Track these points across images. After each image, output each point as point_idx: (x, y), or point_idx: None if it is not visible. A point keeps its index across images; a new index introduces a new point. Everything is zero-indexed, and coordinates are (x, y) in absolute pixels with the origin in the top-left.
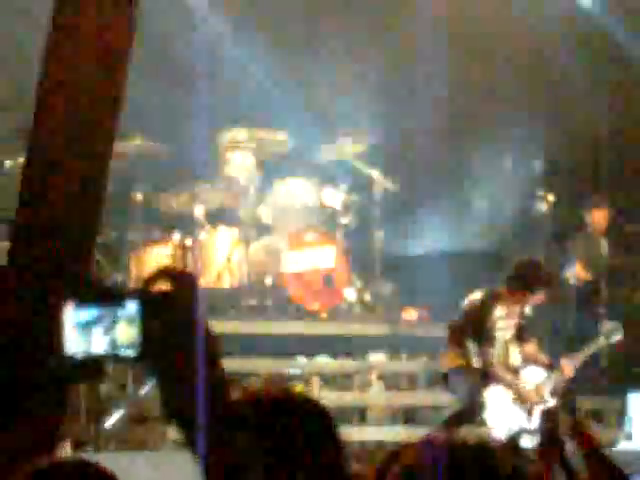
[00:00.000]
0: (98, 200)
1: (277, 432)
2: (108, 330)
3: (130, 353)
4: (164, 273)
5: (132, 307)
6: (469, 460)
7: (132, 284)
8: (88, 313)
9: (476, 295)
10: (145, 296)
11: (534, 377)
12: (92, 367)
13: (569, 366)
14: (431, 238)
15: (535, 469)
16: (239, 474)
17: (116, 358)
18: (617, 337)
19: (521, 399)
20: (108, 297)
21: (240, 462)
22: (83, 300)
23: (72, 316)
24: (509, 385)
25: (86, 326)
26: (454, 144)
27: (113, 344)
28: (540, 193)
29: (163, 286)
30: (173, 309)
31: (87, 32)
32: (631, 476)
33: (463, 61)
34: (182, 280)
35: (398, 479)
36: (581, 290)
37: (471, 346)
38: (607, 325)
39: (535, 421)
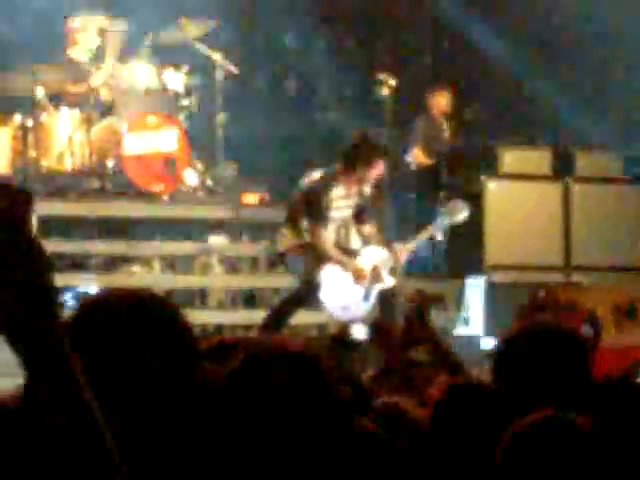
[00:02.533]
0: None
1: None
2: None
3: None
4: None
5: None
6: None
7: None
8: None
9: (315, 174)
10: None
11: (374, 257)
12: None
13: (403, 250)
14: (272, 122)
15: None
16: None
17: None
18: (462, 216)
19: (354, 277)
20: None
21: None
22: None
23: None
24: (341, 264)
25: None
26: (295, 25)
27: None
28: (381, 77)
29: None
30: (3, 228)
31: None
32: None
33: None
34: (15, 197)
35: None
36: (422, 174)
37: (306, 225)
38: (452, 204)
39: (372, 301)
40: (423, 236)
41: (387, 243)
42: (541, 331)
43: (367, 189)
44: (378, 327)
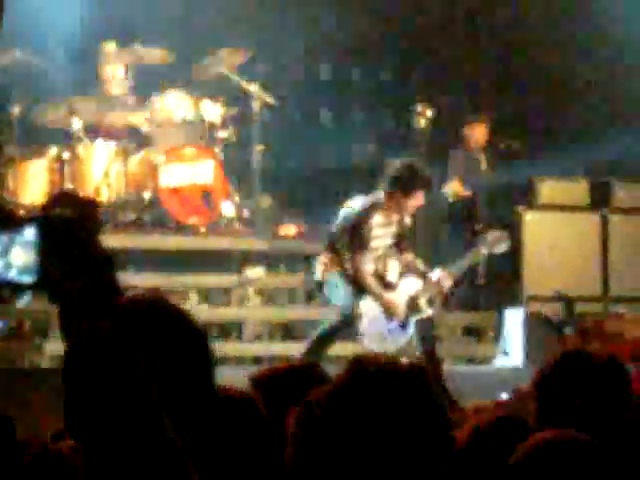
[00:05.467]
0: None
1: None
2: (2, 254)
3: (26, 279)
4: (65, 197)
5: (29, 232)
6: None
7: (8, 199)
8: None
9: (355, 201)
10: (44, 221)
11: (411, 287)
12: None
13: (447, 277)
14: (308, 153)
15: None
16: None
17: (12, 284)
18: (502, 247)
19: (389, 313)
20: (5, 222)
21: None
22: None
23: None
24: (377, 297)
25: None
26: (333, 59)
27: (7, 267)
28: (418, 108)
29: (63, 211)
30: (73, 235)
31: None
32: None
33: None
34: (83, 205)
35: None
36: (458, 206)
37: (346, 253)
38: (493, 234)
39: (410, 331)
40: (462, 266)
41: (424, 273)
42: (581, 358)
43: (407, 218)
44: (430, 358)
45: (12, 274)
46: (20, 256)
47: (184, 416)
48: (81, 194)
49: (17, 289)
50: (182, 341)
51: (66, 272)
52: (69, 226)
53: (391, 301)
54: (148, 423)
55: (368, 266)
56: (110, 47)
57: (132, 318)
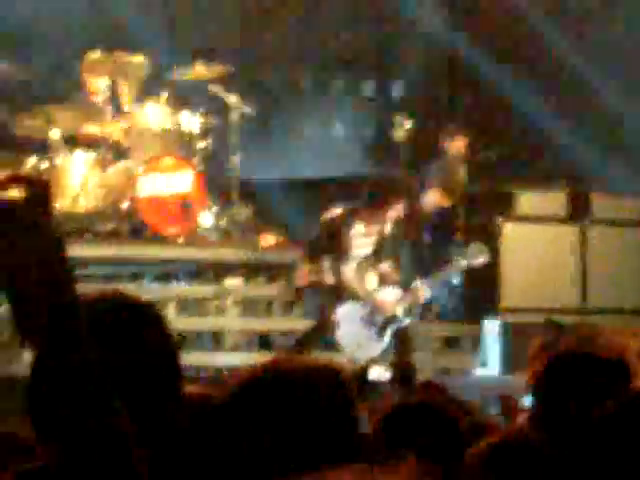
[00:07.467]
0: None
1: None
2: None
3: None
4: (14, 179)
5: None
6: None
7: None
8: None
9: (335, 211)
10: None
11: (389, 297)
12: None
13: (424, 288)
14: (289, 163)
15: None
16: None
17: None
18: (481, 260)
19: (377, 310)
20: None
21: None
22: None
23: None
24: (364, 298)
25: None
26: (313, 67)
27: None
28: (398, 118)
29: (14, 194)
30: (24, 218)
31: None
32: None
33: None
34: (34, 187)
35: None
36: (438, 216)
37: (326, 262)
38: (472, 247)
39: (386, 340)
40: (441, 277)
41: (402, 283)
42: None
43: (387, 229)
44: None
45: None
46: None
47: (145, 413)
48: (33, 175)
49: None
50: (148, 338)
51: (15, 259)
52: (19, 208)
53: (383, 301)
54: (102, 417)
55: (348, 275)
56: (94, 56)
57: (94, 313)
